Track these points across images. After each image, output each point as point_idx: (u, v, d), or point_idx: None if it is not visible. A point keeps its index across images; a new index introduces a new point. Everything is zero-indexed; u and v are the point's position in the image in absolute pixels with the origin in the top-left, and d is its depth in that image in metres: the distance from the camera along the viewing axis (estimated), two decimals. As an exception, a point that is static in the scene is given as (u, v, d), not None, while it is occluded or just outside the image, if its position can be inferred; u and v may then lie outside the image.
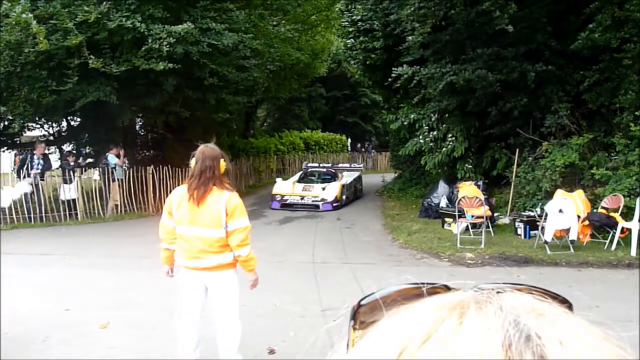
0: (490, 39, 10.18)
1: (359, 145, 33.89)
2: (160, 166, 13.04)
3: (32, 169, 11.38)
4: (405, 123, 12.39)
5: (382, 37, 13.85)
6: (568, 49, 9.49)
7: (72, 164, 12.54)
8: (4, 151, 14.55)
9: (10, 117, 11.97)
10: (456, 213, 8.84)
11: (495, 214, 10.01)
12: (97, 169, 12.52)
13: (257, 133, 23.76)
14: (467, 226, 9.04)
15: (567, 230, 7.72)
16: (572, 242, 7.77)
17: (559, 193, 8.34)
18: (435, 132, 11.77)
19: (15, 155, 16.01)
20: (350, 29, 15.47)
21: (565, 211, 7.68)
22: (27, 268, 7.20)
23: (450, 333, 0.31)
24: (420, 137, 11.95)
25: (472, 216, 8.74)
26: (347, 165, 18.80)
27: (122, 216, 12.22)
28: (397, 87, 12.19)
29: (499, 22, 8.92)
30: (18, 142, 14.33)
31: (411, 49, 11.64)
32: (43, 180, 11.64)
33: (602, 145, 9.80)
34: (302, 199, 13.49)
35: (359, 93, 29.25)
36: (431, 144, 11.74)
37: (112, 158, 12.32)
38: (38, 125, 14.34)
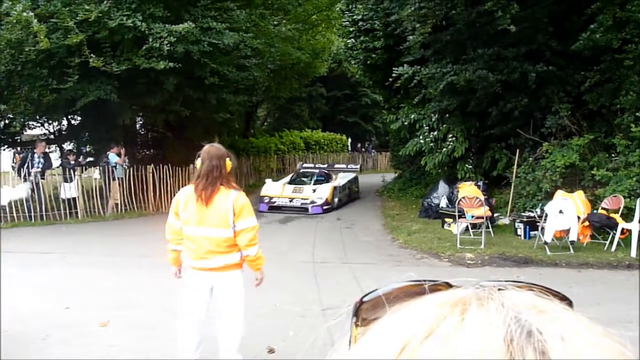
0: (491, 39, 10.18)
1: (359, 145, 33.89)
2: (161, 165, 13.04)
3: (32, 167, 11.39)
4: (406, 123, 12.39)
5: (382, 36, 13.85)
6: (569, 49, 9.49)
7: (72, 162, 12.56)
8: (4, 149, 14.56)
9: (11, 116, 11.98)
10: (456, 213, 8.84)
11: (495, 215, 10.01)
12: (98, 167, 12.53)
13: (257, 132, 23.77)
14: (467, 226, 9.04)
15: (567, 231, 7.72)
16: (572, 243, 7.77)
17: (559, 194, 8.34)
18: (435, 132, 11.77)
19: (16, 153, 16.02)
20: (351, 29, 15.47)
21: (566, 212, 7.68)
22: (27, 267, 7.20)
23: (452, 329, 0.31)
24: (421, 137, 11.94)
25: (472, 216, 8.74)
26: (344, 166, 18.01)
27: (122, 215, 12.23)
28: (398, 87, 12.18)
29: (501, 22, 8.92)
30: (19, 140, 14.33)
31: (412, 49, 11.64)
32: (43, 178, 11.64)
33: (602, 146, 9.80)
34: (291, 201, 12.94)
35: (359, 93, 29.25)
36: (431, 144, 11.74)
37: (112, 157, 12.32)
38: (39, 124, 14.34)
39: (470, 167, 11.50)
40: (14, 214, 11.12)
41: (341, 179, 14.60)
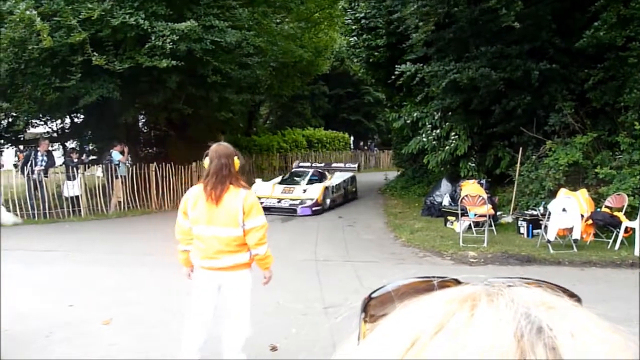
0: (494, 36, 10.15)
1: (361, 144, 33.88)
2: (163, 163, 13.07)
3: (35, 165, 11.43)
4: (408, 121, 12.37)
5: (385, 34, 13.83)
6: (573, 47, 9.46)
7: (75, 160, 12.60)
8: (7, 148, 14.61)
9: (15, 114, 12.02)
10: (459, 211, 8.83)
11: (498, 213, 10.00)
12: (101, 165, 12.56)
13: (259, 131, 23.78)
14: (470, 225, 9.03)
15: (571, 230, 7.70)
16: (576, 241, 7.75)
17: (563, 192, 8.32)
18: (438, 131, 11.75)
19: (18, 152, 16.07)
20: (354, 27, 15.46)
21: (569, 210, 7.66)
22: (31, 264, 7.22)
23: (462, 324, 0.31)
24: (423, 135, 11.93)
25: (475, 215, 8.74)
26: (341, 165, 17.06)
27: (125, 213, 12.26)
28: (400, 85, 12.17)
29: (505, 19, 8.88)
30: (22, 138, 14.38)
31: (414, 46, 11.63)
32: (47, 176, 11.68)
33: (606, 144, 9.78)
34: (279, 202, 12.23)
35: (362, 91, 29.24)
36: (434, 142, 11.72)
37: (116, 154, 12.35)
38: (42, 122, 14.39)
39: (473, 165, 11.48)
40: (18, 212, 11.16)
41: (336, 179, 14.00)
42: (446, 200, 10.87)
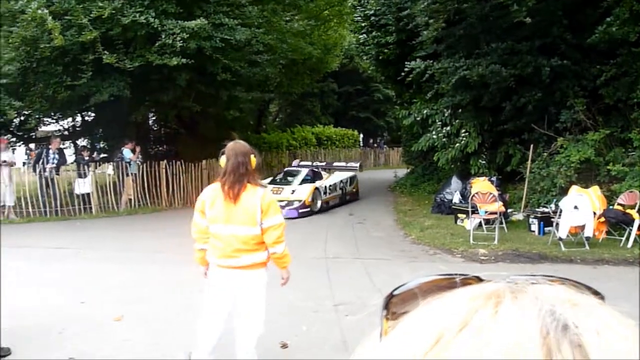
0: (505, 33, 10.08)
1: (371, 141, 33.81)
2: (173, 161, 13.14)
3: (47, 163, 11.53)
4: (418, 118, 12.31)
5: (394, 31, 13.78)
6: (584, 42, 9.36)
7: (86, 158, 12.71)
8: (19, 146, 14.76)
9: (27, 112, 12.14)
10: (469, 209, 8.79)
11: (509, 210, 9.94)
12: (112, 163, 12.66)
13: (269, 128, 23.82)
14: (481, 222, 8.99)
15: (583, 227, 7.63)
16: (588, 239, 7.69)
17: (574, 189, 8.24)
18: (448, 128, 11.69)
19: (30, 150, 16.22)
20: (363, 24, 15.42)
21: (581, 207, 7.59)
22: (43, 262, 7.30)
23: (486, 321, 0.31)
24: (433, 132, 11.87)
25: (486, 212, 8.69)
26: (343, 164, 15.99)
27: (136, 210, 12.34)
28: (410, 82, 12.12)
29: (516, 14, 8.81)
30: (34, 137, 14.53)
31: (424, 43, 11.57)
32: (58, 174, 11.79)
33: (618, 141, 9.68)
34: None
35: (371, 88, 29.16)
36: (444, 139, 11.66)
37: (127, 152, 12.45)
38: (53, 120, 14.53)
39: (484, 162, 11.41)
40: (29, 209, 11.28)
41: (333, 179, 13.27)
42: (456, 198, 10.83)
